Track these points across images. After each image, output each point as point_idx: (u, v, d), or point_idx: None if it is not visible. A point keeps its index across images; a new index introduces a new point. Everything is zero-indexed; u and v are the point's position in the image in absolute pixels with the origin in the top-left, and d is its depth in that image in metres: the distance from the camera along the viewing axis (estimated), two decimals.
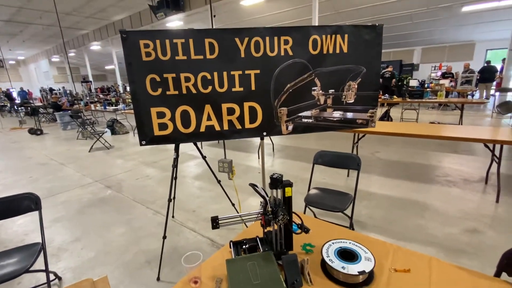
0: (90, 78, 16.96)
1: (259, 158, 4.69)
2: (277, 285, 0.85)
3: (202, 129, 1.73)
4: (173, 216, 2.81)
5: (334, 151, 2.39)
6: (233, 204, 2.55)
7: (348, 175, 3.72)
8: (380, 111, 7.53)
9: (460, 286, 0.88)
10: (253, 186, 1.02)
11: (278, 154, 4.97)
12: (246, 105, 1.74)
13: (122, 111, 7.37)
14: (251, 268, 0.93)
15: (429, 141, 5.24)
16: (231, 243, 1.10)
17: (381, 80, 9.38)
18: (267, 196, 1.01)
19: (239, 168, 4.11)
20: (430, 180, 3.46)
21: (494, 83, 9.89)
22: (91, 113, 9.58)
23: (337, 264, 0.93)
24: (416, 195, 3.08)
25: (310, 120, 1.91)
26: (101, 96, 14.74)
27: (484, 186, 3.18)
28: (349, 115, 1.93)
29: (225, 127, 1.75)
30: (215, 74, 1.64)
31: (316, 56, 1.75)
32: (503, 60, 11.52)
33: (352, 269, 0.90)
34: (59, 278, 2.01)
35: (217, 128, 1.75)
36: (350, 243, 1.04)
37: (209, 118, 1.72)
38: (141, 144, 1.68)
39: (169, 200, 2.01)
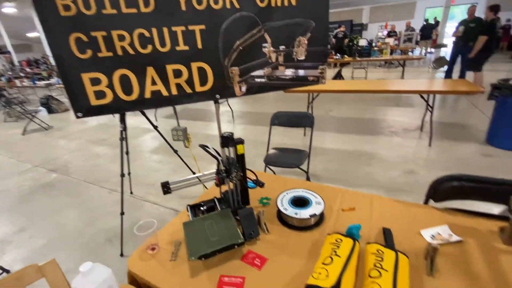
0: (9, 49, 14.25)
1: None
2: (234, 238, 0.87)
3: (148, 95, 1.58)
4: (131, 192, 2.68)
5: (289, 111, 2.43)
6: (194, 173, 2.51)
7: (304, 134, 3.88)
8: (333, 72, 7.78)
9: (396, 215, 1.00)
10: (203, 147, 0.98)
11: (238, 120, 4.92)
12: (194, 65, 1.62)
13: (57, 85, 6.44)
14: (208, 227, 0.94)
15: (376, 97, 5.64)
16: (188, 207, 1.08)
17: (334, 40, 9.53)
18: (219, 156, 0.99)
19: (198, 137, 4.00)
20: (376, 132, 3.79)
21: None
22: (18, 91, 8.21)
23: (290, 211, 0.98)
24: (365, 146, 3.37)
25: (263, 80, 1.87)
26: (28, 70, 12.58)
27: (420, 133, 3.59)
28: (301, 72, 1.93)
29: (174, 91, 1.63)
30: (154, 30, 1.46)
31: (264, 9, 1.65)
32: (435, 18, 12.43)
33: (304, 213, 0.96)
34: (7, 271, 1.84)
35: (165, 93, 1.61)
36: (302, 191, 1.10)
37: (154, 83, 1.57)
38: (77, 117, 1.48)
39: (122, 175, 1.89)
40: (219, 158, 0.99)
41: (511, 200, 0.80)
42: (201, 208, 1.08)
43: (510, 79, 2.87)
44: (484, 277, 0.73)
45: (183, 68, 1.60)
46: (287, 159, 2.22)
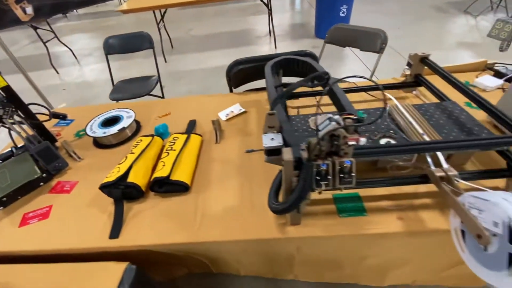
0: None
1: None
2: (29, 175, 0.82)
3: None
4: None
5: (121, 33, 2.13)
6: None
7: (165, 61, 3.62)
8: None
9: (203, 108, 1.13)
10: None
11: (86, 60, 4.05)
12: None
13: None
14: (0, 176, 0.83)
15: (234, 8, 5.57)
16: None
17: None
18: None
19: None
20: (234, 44, 3.90)
21: None
22: None
23: (99, 132, 0.97)
24: (224, 60, 3.47)
25: None
26: None
27: (269, 38, 3.92)
28: None
29: None
30: None
31: None
32: None
33: (113, 130, 0.97)
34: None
35: None
36: (116, 111, 1.08)
37: None
38: None
39: None
40: None
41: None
42: None
43: None
44: (255, 132, 0.97)
45: None
46: (133, 89, 2.07)
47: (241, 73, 1.13)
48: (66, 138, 1.05)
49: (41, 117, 0.95)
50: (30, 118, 0.90)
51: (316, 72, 0.69)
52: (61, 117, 1.01)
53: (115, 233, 0.68)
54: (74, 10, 6.51)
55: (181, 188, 0.76)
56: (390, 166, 0.74)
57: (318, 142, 0.48)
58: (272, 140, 0.53)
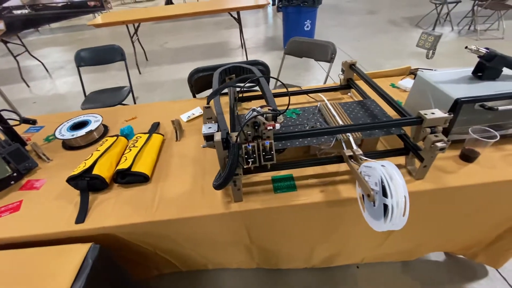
0: None
1: None
2: (0, 174, 0.89)
3: None
4: None
5: (94, 46, 2.21)
6: None
7: (140, 73, 3.70)
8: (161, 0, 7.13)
9: (167, 112, 1.25)
10: None
11: (58, 73, 4.02)
12: None
13: None
14: None
15: (210, 22, 5.79)
16: None
17: None
18: None
19: None
20: (208, 56, 4.07)
21: None
22: None
23: (67, 135, 1.05)
24: None
25: (26, 11, 1.57)
26: None
27: (242, 50, 4.13)
28: None
29: None
30: None
31: None
32: None
33: (81, 132, 1.06)
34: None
35: None
36: (84, 116, 1.17)
37: None
38: None
39: None
40: None
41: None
42: None
43: None
44: None
45: None
46: (105, 100, 2.14)
47: (201, 80, 1.27)
48: (36, 142, 1.12)
49: (12, 123, 1.02)
50: (2, 122, 0.98)
51: (241, 76, 0.85)
52: (31, 122, 1.08)
53: (80, 218, 0.77)
54: (47, 24, 6.44)
55: (141, 179, 0.87)
56: (318, 151, 0.90)
57: (242, 128, 0.62)
58: (209, 128, 0.66)
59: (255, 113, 0.64)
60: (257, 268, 1.17)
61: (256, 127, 0.64)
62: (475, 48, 0.83)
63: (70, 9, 1.51)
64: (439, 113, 0.69)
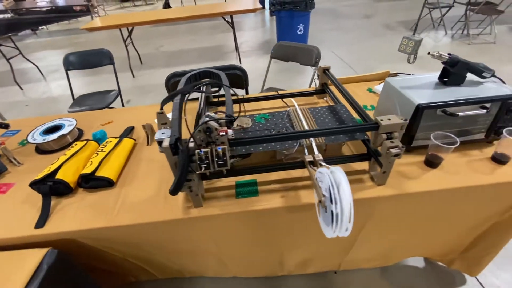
0: None
1: None
2: None
3: None
4: None
5: (83, 50, 2.23)
6: None
7: (133, 76, 3.72)
8: (159, 4, 7.19)
9: (143, 117, 1.25)
10: None
11: (52, 76, 4.05)
12: None
13: None
14: None
15: (205, 26, 5.82)
16: None
17: None
18: None
19: None
20: (203, 60, 4.09)
21: None
22: None
23: (39, 139, 1.06)
24: None
25: (8, 15, 1.58)
26: None
27: (236, 54, 4.15)
28: (61, 2, 1.73)
29: None
30: None
31: None
32: None
33: (53, 136, 1.07)
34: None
35: None
36: (59, 120, 1.17)
37: None
38: None
39: None
40: None
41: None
42: None
43: None
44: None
45: None
46: (93, 102, 2.15)
47: (178, 84, 1.27)
48: (10, 146, 1.13)
49: None
50: None
51: (195, 83, 0.86)
52: (3, 126, 1.09)
53: (40, 223, 0.77)
54: (44, 27, 6.48)
55: (105, 183, 0.86)
56: (284, 156, 0.90)
57: (192, 134, 0.62)
58: (163, 134, 0.66)
59: (207, 119, 0.65)
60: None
61: (208, 133, 0.64)
62: (437, 54, 0.83)
63: (54, 13, 1.53)
64: (395, 119, 0.69)
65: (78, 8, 1.57)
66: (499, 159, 0.82)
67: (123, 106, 2.25)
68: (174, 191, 0.66)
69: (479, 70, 0.84)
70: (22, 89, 3.66)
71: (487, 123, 0.85)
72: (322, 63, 1.23)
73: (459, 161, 0.84)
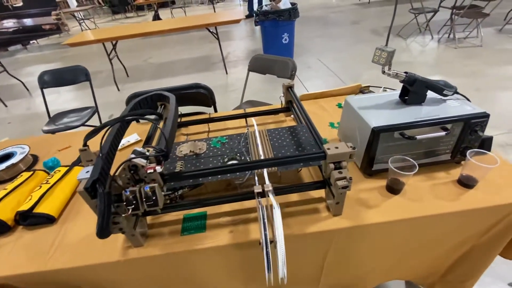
0: None
1: None
2: None
3: None
4: None
5: (57, 68, 2.19)
6: None
7: (118, 90, 3.68)
8: (151, 15, 7.23)
9: None
10: None
11: (37, 92, 4.02)
12: None
13: None
14: None
15: (195, 36, 5.83)
16: None
17: None
18: None
19: None
20: (190, 71, 4.06)
21: None
22: None
23: None
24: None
25: None
26: None
27: (222, 65, 4.13)
28: (29, 22, 1.69)
29: None
30: None
31: None
32: None
33: (1, 166, 1.01)
34: None
35: None
36: (11, 147, 1.12)
37: None
38: None
39: None
40: None
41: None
42: None
43: (263, 6, 3.59)
44: None
45: None
46: (68, 121, 2.10)
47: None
48: None
49: None
50: None
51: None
52: None
53: None
54: (35, 41, 6.46)
55: (45, 220, 0.80)
56: (239, 185, 0.84)
57: (113, 176, 0.57)
58: (87, 173, 0.61)
59: (132, 156, 0.59)
60: None
61: (133, 172, 0.58)
62: (394, 73, 0.79)
63: (23, 33, 1.49)
64: (343, 147, 0.64)
65: (47, 27, 1.54)
66: (465, 183, 0.77)
67: (100, 123, 2.20)
68: (99, 235, 0.60)
69: (439, 88, 0.79)
70: (6, 106, 3.62)
71: (451, 144, 0.79)
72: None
73: (423, 185, 0.79)
